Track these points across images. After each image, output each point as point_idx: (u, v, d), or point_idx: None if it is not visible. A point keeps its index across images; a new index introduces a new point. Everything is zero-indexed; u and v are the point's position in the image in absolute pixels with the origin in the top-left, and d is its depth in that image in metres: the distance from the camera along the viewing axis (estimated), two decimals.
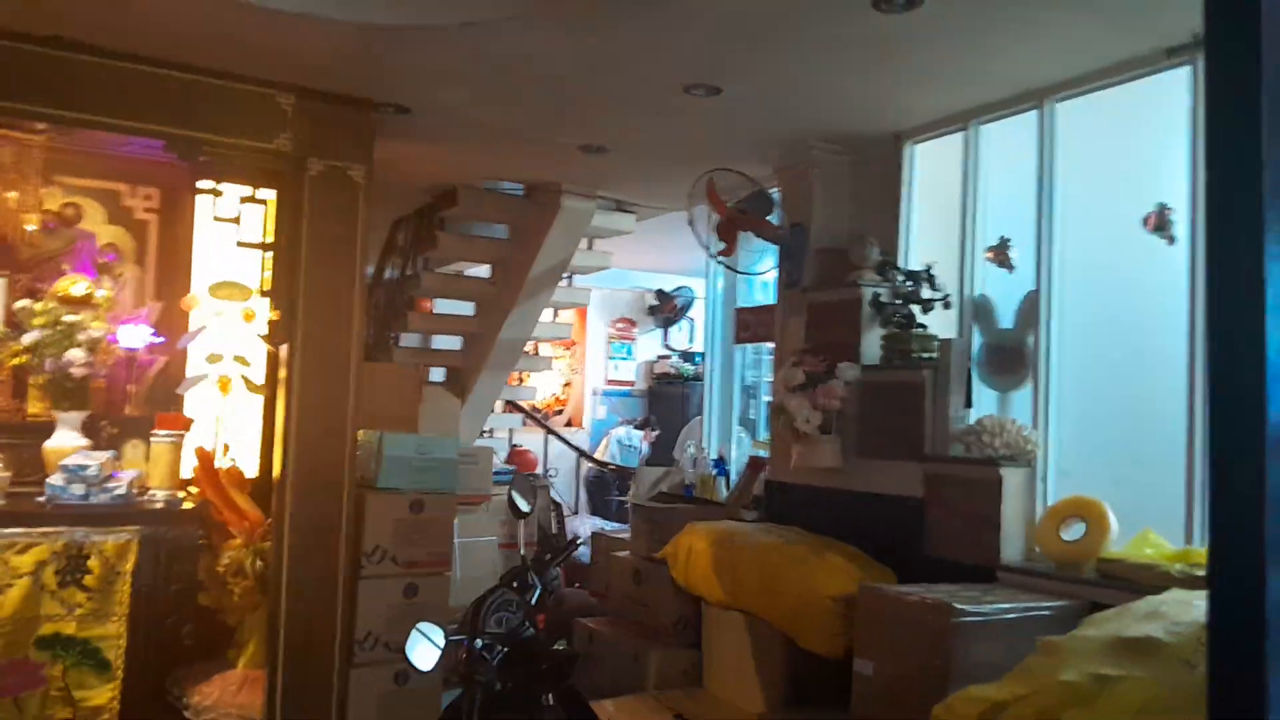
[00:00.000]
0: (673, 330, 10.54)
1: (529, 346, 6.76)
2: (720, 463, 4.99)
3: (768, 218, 4.16)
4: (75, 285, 4.48)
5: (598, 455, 8.91)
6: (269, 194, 4.12)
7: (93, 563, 3.76)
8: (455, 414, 5.37)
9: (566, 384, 10.28)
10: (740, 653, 3.55)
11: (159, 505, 4.07)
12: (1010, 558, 3.13)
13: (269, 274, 4.30)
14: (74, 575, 3.73)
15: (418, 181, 5.45)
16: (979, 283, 3.68)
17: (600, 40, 3.16)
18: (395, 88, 3.72)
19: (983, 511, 3.18)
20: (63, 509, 3.87)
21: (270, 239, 4.13)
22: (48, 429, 4.30)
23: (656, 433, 9.30)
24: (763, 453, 4.81)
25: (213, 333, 4.55)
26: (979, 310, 3.66)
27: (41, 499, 3.96)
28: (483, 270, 6.58)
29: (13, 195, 4.45)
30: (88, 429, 4.35)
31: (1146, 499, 3.02)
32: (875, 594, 2.89)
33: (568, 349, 10.21)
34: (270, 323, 4.53)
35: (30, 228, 4.51)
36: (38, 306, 4.32)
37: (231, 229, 4.00)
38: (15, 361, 4.28)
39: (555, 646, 2.64)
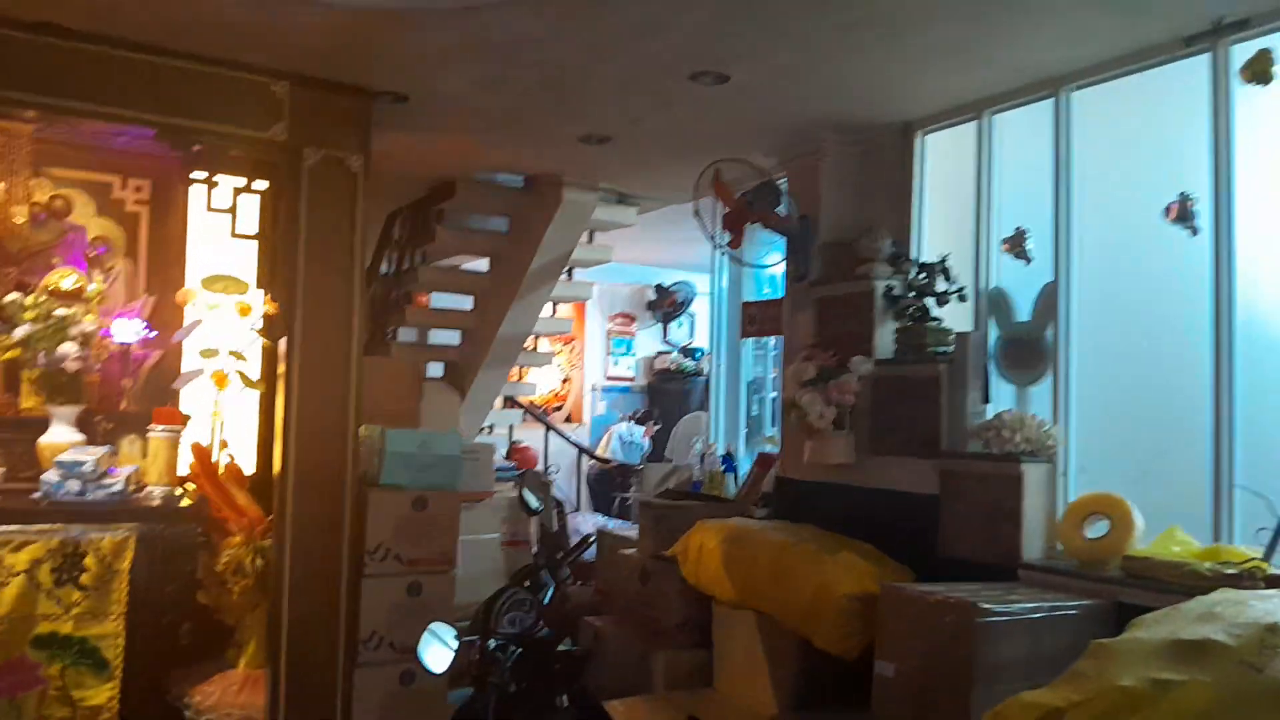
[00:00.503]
0: (672, 326, 10.50)
1: (528, 342, 6.71)
2: (728, 459, 4.95)
3: (775, 209, 4.12)
4: (66, 279, 4.42)
5: (599, 451, 8.87)
6: (264, 185, 4.06)
7: (89, 560, 3.71)
8: (455, 410, 5.34)
9: (566, 380, 10.24)
10: (752, 653, 3.51)
11: (156, 502, 4.03)
12: (1031, 555, 3.10)
13: (265, 267, 4.25)
14: (70, 573, 3.68)
15: (415, 173, 5.40)
16: (995, 275, 3.65)
17: (603, 24, 3.10)
18: (393, 75, 3.67)
19: (1002, 508, 3.15)
20: (58, 506, 3.82)
21: (266, 231, 4.07)
22: (42, 425, 4.25)
23: (658, 426, 9.25)
24: (771, 448, 4.77)
25: (208, 327, 4.49)
26: (995, 303, 3.62)
27: (36, 495, 3.91)
28: (481, 264, 6.53)
29: (0, 187, 4.38)
30: (82, 424, 4.29)
31: (1169, 495, 2.99)
32: (896, 593, 2.85)
33: (567, 344, 10.16)
34: (267, 316, 4.48)
35: (19, 220, 4.44)
36: (28, 300, 4.25)
37: (226, 221, 3.94)
38: (7, 356, 4.22)
39: (562, 647, 2.59)
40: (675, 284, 10.12)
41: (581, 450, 8.22)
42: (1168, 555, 2.72)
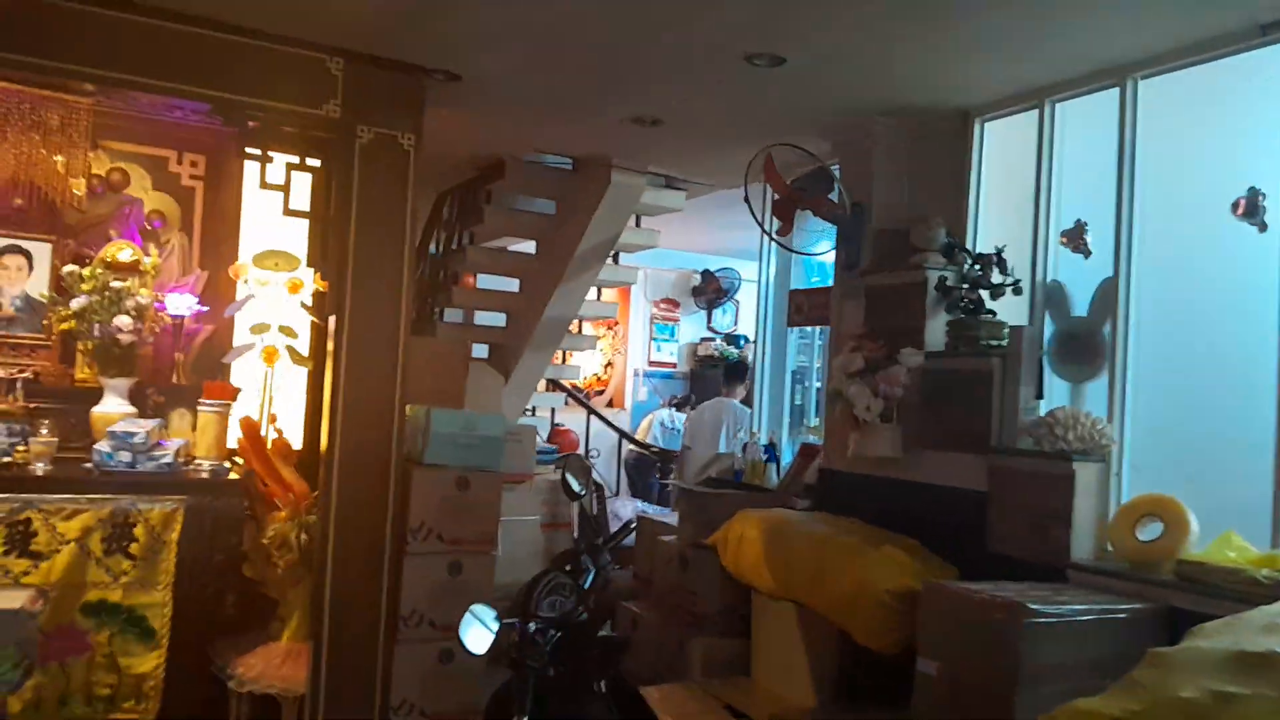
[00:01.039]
0: (716, 313, 10.46)
1: (573, 325, 6.73)
2: (770, 449, 4.93)
3: (828, 196, 4.08)
4: (122, 251, 4.51)
5: (639, 437, 8.88)
6: (317, 162, 4.10)
7: (138, 530, 3.79)
8: (499, 391, 5.36)
9: (608, 364, 10.26)
10: (790, 644, 3.51)
11: (204, 475, 4.10)
12: (1080, 556, 3.06)
13: (316, 244, 4.30)
14: (120, 543, 3.77)
15: (465, 154, 5.43)
16: (1052, 268, 3.59)
17: (656, 2, 3.07)
18: (446, 53, 3.68)
19: (1053, 507, 3.11)
20: (109, 476, 3.91)
21: (318, 208, 4.11)
22: (95, 395, 4.34)
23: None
24: (815, 439, 4.74)
25: (259, 302, 4.55)
26: (1052, 297, 3.57)
27: (89, 465, 4.00)
28: (528, 246, 6.55)
29: (60, 159, 4.47)
30: (134, 396, 4.38)
31: (1226, 499, 2.93)
32: (940, 591, 2.82)
33: (610, 329, 10.18)
34: (317, 294, 4.54)
35: (77, 192, 4.53)
36: (85, 272, 4.34)
37: (278, 197, 3.98)
38: (64, 326, 4.32)
39: (601, 633, 2.60)
40: (721, 270, 10.07)
41: (622, 435, 8.24)
42: (1223, 560, 2.66)
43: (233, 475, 4.18)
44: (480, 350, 6.44)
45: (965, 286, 3.65)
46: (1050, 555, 3.08)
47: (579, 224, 5.50)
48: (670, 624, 4.11)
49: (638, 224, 6.27)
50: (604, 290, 7.66)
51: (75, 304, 4.28)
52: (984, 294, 3.61)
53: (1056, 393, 3.45)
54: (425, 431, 3.87)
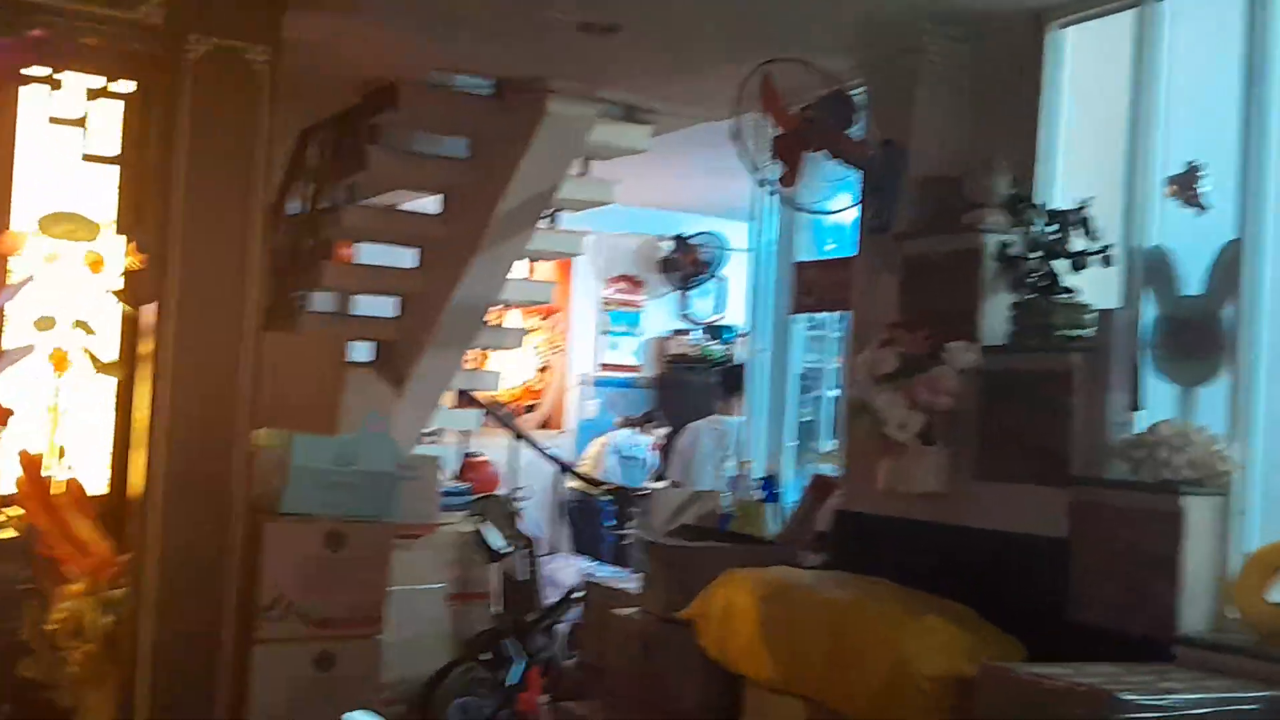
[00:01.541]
0: (694, 295, 10.48)
1: (493, 314, 6.71)
2: (768, 483, 4.94)
3: (847, 131, 4.11)
4: None
5: (586, 469, 8.87)
6: (130, 86, 4.06)
7: None
8: (388, 408, 5.34)
9: (544, 368, 10.23)
10: None
11: None
12: (1193, 625, 3.10)
13: (127, 203, 4.25)
14: None
15: (341, 73, 5.40)
16: (1155, 229, 3.63)
17: None
18: None
19: (1154, 557, 3.15)
20: None
21: (130, 152, 4.07)
22: None
23: (667, 430, 9.24)
24: (830, 469, 4.76)
25: (44, 286, 4.49)
26: (1154, 268, 3.60)
27: None
28: (430, 204, 6.51)
29: None
30: None
31: None
32: (1002, 676, 2.86)
33: (546, 319, 10.16)
34: (129, 273, 4.48)
35: None
36: None
37: (74, 136, 3.94)
38: None
39: None
40: (699, 235, 10.10)
41: (563, 468, 8.23)
42: None
43: (5, 533, 4.11)
44: (362, 351, 6.39)
45: (1036, 256, 3.69)
46: (1151, 624, 3.11)
47: (502, 172, 5.49)
48: None
49: (585, 171, 6.27)
50: (537, 265, 7.65)
51: None
52: (1062, 266, 3.64)
53: (1160, 401, 3.49)
54: (283, 466, 3.84)
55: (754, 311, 5.65)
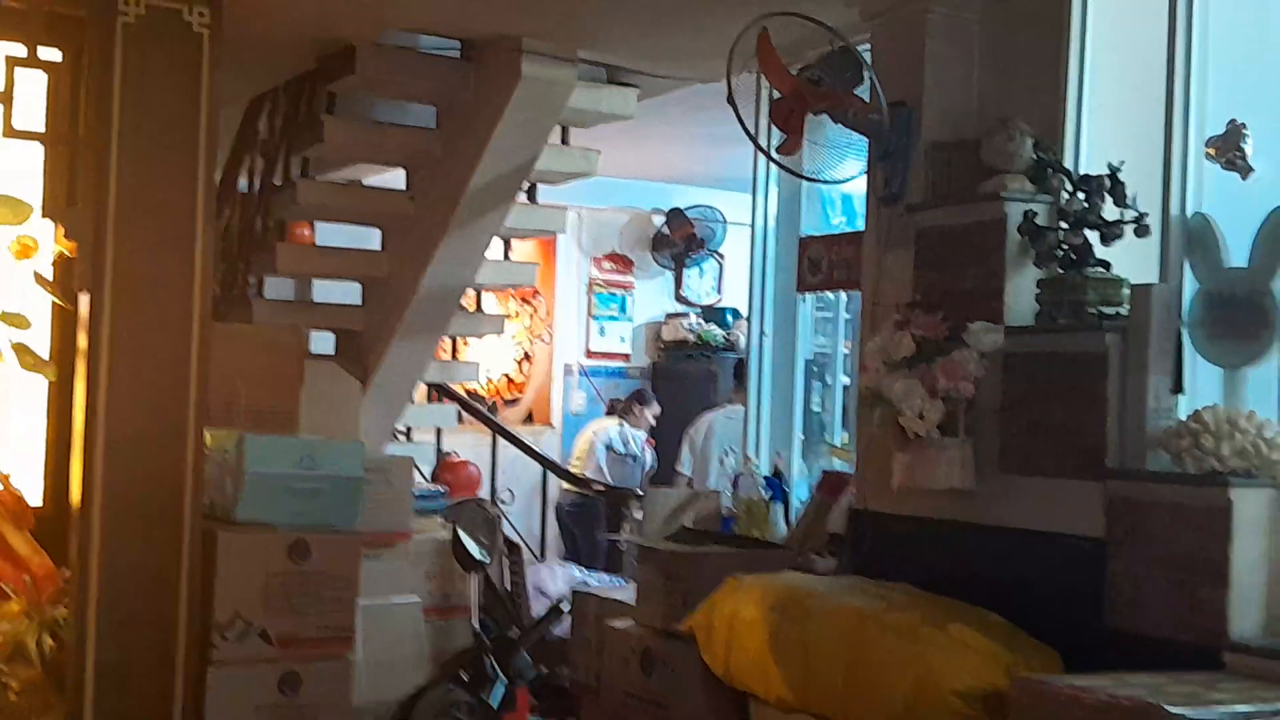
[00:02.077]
0: (690, 274, 10.49)
1: (467, 299, 6.71)
2: (775, 481, 4.95)
3: (854, 92, 4.09)
4: None
5: (575, 467, 8.88)
6: (57, 54, 4.03)
7: None
8: (354, 404, 5.33)
9: (525, 358, 10.24)
10: None
11: None
12: (1245, 631, 3.09)
13: (57, 182, 4.23)
14: None
15: (293, 35, 5.39)
16: (1195, 195, 3.62)
17: None
18: None
19: (1200, 557, 3.14)
20: None
21: (59, 126, 4.05)
22: None
23: (657, 412, 9.21)
24: (844, 465, 4.76)
25: None
26: (1195, 238, 3.59)
27: None
28: (395, 178, 6.49)
29: None
30: None
31: None
32: (1037, 689, 2.86)
33: (527, 303, 10.16)
34: (61, 260, 4.46)
35: None
36: None
37: None
38: None
39: None
40: (694, 209, 10.10)
41: (549, 467, 8.23)
42: None
43: None
44: (323, 342, 6.38)
45: (1065, 226, 3.67)
46: (1198, 630, 3.11)
47: (473, 142, 5.48)
48: None
49: (565, 140, 6.27)
50: (515, 244, 7.63)
51: None
52: (1093, 237, 3.63)
53: (1203, 384, 3.48)
54: (237, 471, 3.83)
55: (756, 291, 5.63)
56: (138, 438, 3.68)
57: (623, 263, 10.45)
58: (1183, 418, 3.34)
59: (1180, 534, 3.19)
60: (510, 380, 10.24)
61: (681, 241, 10.18)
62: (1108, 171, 3.64)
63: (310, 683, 3.82)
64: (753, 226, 5.67)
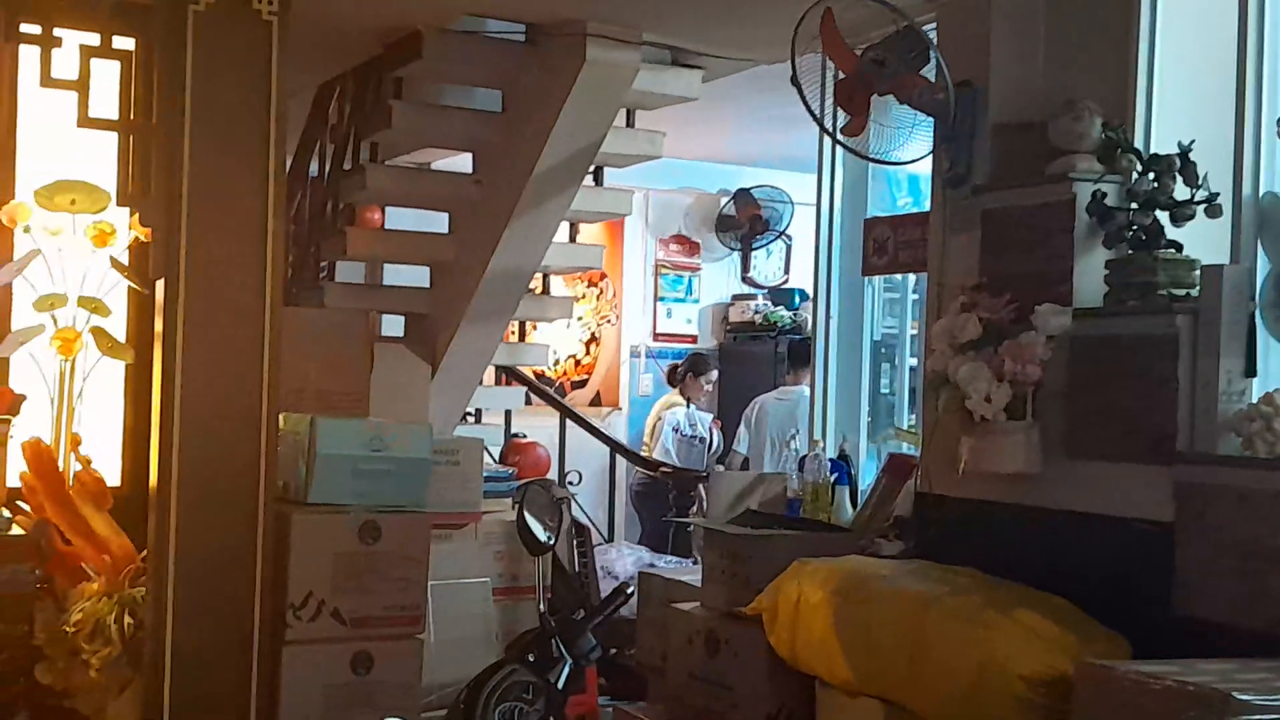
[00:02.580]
0: (757, 255, 10.46)
1: (535, 282, 6.74)
2: (841, 464, 4.94)
3: (920, 73, 4.07)
4: None
5: (644, 449, 8.90)
6: (129, 43, 4.08)
7: None
8: (423, 387, 5.39)
9: (592, 340, 10.27)
10: None
11: None
12: None
13: (132, 171, 4.29)
14: None
15: (360, 23, 5.43)
16: (1267, 175, 3.59)
17: None
18: None
19: (1273, 544, 3.10)
20: None
21: (134, 115, 4.10)
22: None
23: (715, 374, 9.12)
24: (911, 448, 4.74)
25: (47, 262, 4.55)
26: (1266, 219, 3.56)
27: None
28: (462, 162, 6.53)
29: None
30: None
31: None
32: (1103, 675, 2.84)
33: (594, 286, 10.18)
34: (136, 246, 4.53)
35: None
36: None
37: (71, 99, 3.97)
38: None
39: None
40: (760, 190, 10.06)
41: (616, 449, 8.26)
42: None
43: (15, 530, 4.18)
44: (393, 325, 6.45)
45: (1134, 207, 3.63)
46: (1268, 618, 3.08)
47: (539, 126, 5.50)
48: None
49: (630, 123, 6.27)
50: (582, 227, 7.65)
51: None
52: (1163, 217, 3.60)
53: (1276, 366, 3.45)
54: (309, 453, 3.88)
55: (822, 273, 5.62)
56: (212, 421, 3.72)
57: (689, 245, 10.43)
58: (1255, 401, 3.30)
59: (1249, 519, 3.16)
60: (578, 362, 10.27)
61: (747, 223, 10.14)
62: (1178, 151, 3.60)
63: (381, 661, 3.86)
64: (818, 208, 5.65)
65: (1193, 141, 3.60)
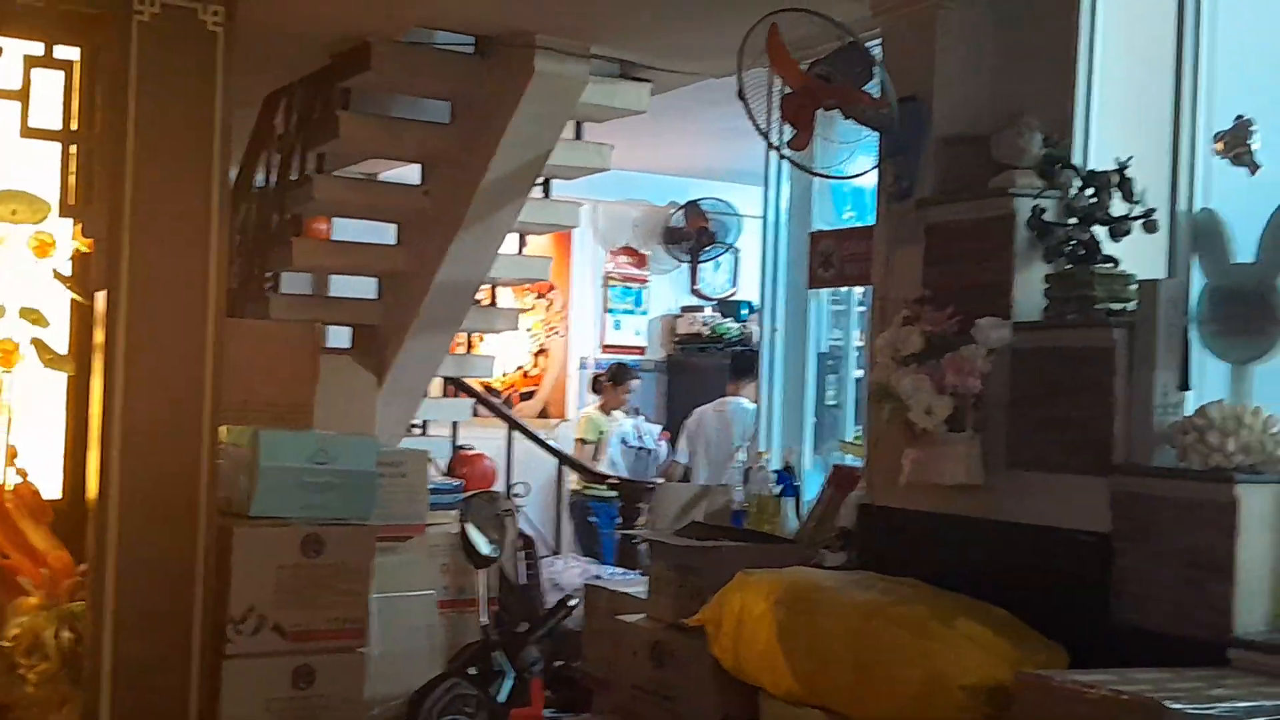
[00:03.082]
0: (705, 267, 10.49)
1: (483, 293, 6.73)
2: (786, 476, 4.96)
3: (864, 88, 4.09)
4: None
5: (591, 461, 8.89)
6: (73, 52, 4.05)
7: None
8: (370, 399, 5.36)
9: (540, 351, 10.26)
10: None
11: None
12: (1251, 626, 3.10)
13: (75, 180, 4.25)
14: None
15: (308, 32, 5.40)
16: (1203, 191, 3.64)
17: None
18: None
19: (1207, 552, 3.15)
20: None
21: (77, 125, 4.07)
22: None
23: (637, 382, 9.09)
24: (855, 460, 4.77)
25: None
26: (1202, 234, 3.61)
27: None
28: (409, 172, 6.52)
29: None
30: None
31: None
32: (1041, 685, 2.86)
33: (542, 297, 10.17)
34: (78, 257, 4.49)
35: None
36: None
37: (12, 109, 3.93)
38: None
39: None
40: (708, 202, 10.09)
41: (563, 460, 8.25)
42: None
43: None
44: (339, 336, 6.42)
45: (1073, 222, 3.67)
46: (1203, 626, 3.12)
47: (487, 137, 5.51)
48: None
49: (579, 135, 6.28)
50: (530, 239, 7.66)
51: None
52: (1101, 232, 3.63)
53: (1211, 380, 3.49)
54: (252, 466, 3.85)
55: (768, 286, 5.65)
56: (154, 433, 3.69)
57: (637, 257, 10.45)
58: (1189, 413, 3.34)
59: (1186, 530, 3.20)
60: (525, 374, 10.25)
61: (695, 234, 10.17)
62: (1116, 167, 3.63)
63: (324, 676, 3.83)
64: (764, 221, 5.68)
65: (1130, 158, 3.64)
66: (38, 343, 4.48)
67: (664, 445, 9.18)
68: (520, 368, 10.22)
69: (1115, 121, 3.90)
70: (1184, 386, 3.42)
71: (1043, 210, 3.73)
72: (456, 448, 7.66)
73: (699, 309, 10.37)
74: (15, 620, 3.95)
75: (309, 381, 4.67)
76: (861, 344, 5.46)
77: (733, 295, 10.47)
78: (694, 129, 7.47)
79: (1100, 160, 3.80)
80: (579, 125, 6.21)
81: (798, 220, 5.49)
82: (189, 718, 3.70)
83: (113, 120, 3.71)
